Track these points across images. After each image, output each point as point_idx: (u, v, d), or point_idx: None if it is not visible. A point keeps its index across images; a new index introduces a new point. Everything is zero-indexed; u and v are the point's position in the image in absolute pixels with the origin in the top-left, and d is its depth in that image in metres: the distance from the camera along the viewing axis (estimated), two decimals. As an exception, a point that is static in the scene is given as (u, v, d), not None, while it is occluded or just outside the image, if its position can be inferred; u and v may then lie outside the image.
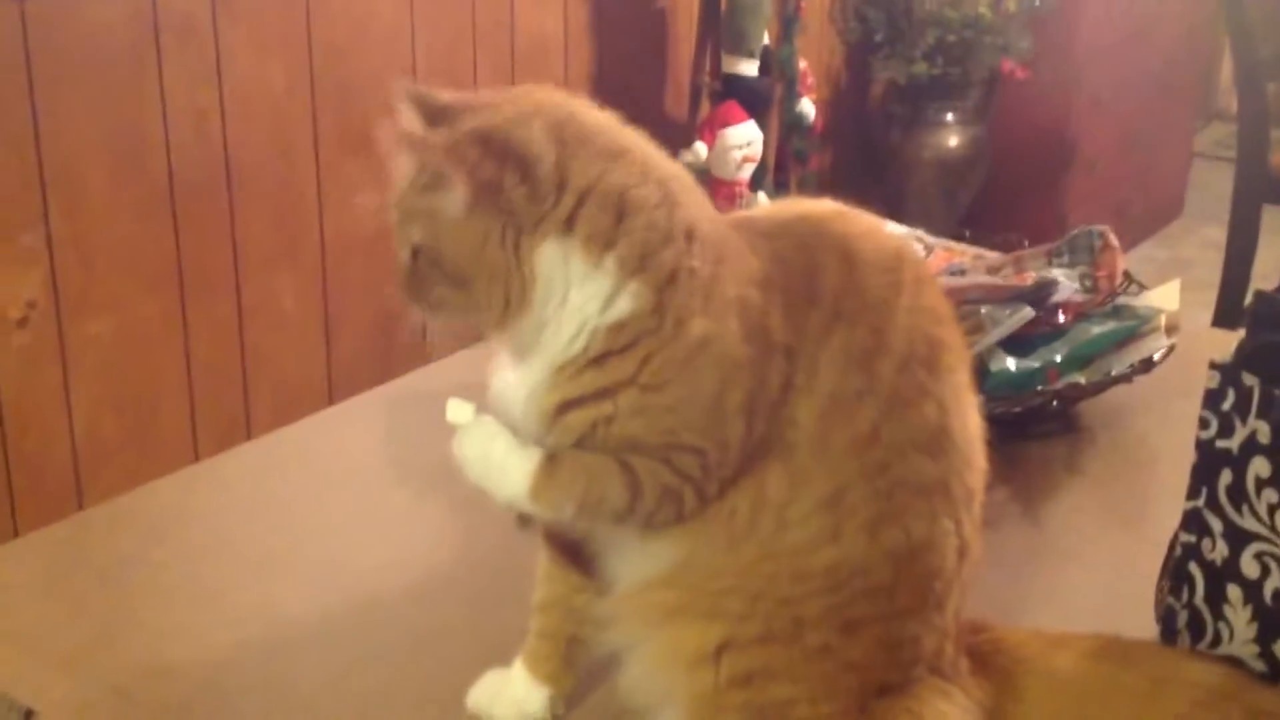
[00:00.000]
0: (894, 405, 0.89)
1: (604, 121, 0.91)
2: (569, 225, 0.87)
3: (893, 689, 0.92)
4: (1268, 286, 1.52)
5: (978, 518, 0.96)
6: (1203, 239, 4.59)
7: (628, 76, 3.22)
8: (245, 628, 1.11)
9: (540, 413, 0.89)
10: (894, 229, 1.62)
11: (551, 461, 0.89)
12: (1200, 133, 5.25)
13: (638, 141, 0.91)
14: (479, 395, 0.95)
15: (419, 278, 0.90)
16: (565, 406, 0.88)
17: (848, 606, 0.90)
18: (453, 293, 0.90)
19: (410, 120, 0.91)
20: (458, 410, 0.92)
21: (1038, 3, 3.75)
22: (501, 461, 0.89)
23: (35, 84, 2.09)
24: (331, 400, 2.48)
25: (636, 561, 0.94)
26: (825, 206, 0.97)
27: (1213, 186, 4.61)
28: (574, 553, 0.98)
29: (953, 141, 3.86)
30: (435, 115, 0.91)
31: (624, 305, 0.87)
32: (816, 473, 0.89)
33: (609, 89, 3.11)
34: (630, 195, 0.87)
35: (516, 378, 0.91)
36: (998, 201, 3.99)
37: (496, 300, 0.88)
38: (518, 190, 0.86)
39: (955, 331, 0.95)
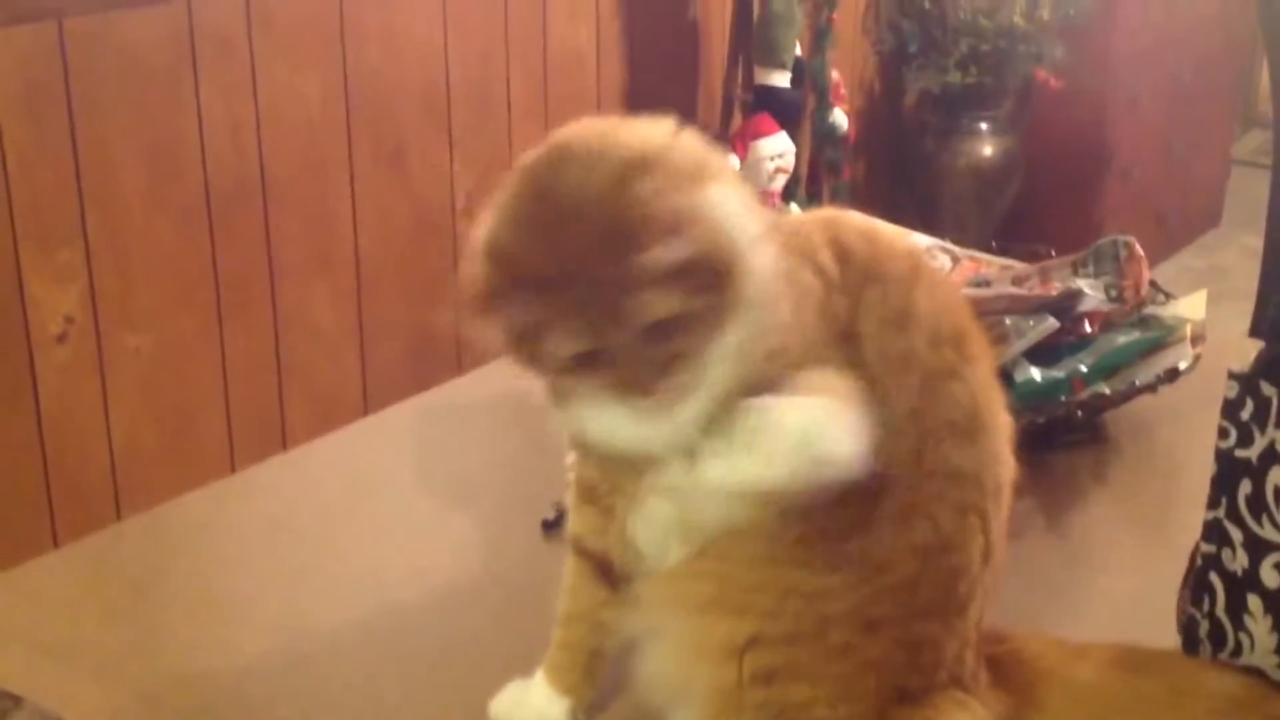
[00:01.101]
0: (930, 379, 0.91)
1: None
2: None
3: (911, 697, 0.93)
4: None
5: (1004, 518, 0.96)
6: (1241, 247, 4.56)
7: (660, 88, 3.23)
8: (272, 638, 1.12)
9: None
10: (920, 239, 1.63)
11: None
12: (1239, 140, 5.21)
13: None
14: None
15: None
16: None
17: (871, 604, 0.90)
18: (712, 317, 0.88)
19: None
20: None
21: (1072, 12, 3.74)
22: (835, 406, 0.87)
23: (73, 100, 2.12)
24: (367, 411, 2.51)
25: (666, 562, 0.95)
26: (830, 209, 1.00)
27: (1251, 194, 4.57)
28: (600, 564, 0.99)
29: (987, 151, 3.86)
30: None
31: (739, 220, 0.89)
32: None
33: (641, 101, 3.13)
34: None
35: None
36: (1033, 210, 3.98)
37: None
38: None
39: (975, 324, 0.97)
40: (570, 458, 0.99)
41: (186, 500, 1.35)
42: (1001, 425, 0.95)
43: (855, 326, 0.91)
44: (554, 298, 0.85)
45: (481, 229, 0.89)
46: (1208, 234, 4.81)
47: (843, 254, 0.93)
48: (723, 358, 0.87)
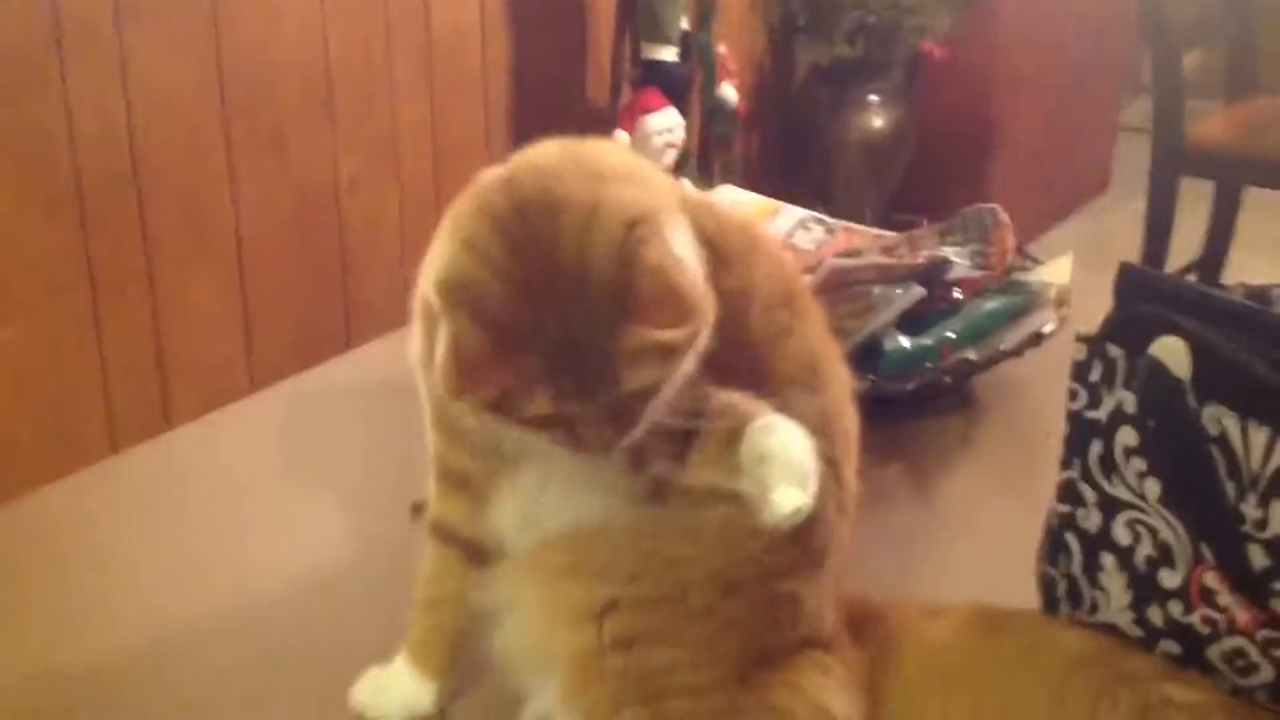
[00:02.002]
0: (761, 348, 0.92)
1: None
2: None
3: (772, 658, 0.93)
4: (1188, 258, 1.53)
5: (854, 467, 0.98)
6: (1130, 212, 4.61)
7: (548, 66, 3.21)
8: (133, 632, 1.11)
9: None
10: (794, 211, 1.63)
11: None
12: (1127, 107, 5.29)
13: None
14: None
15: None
16: None
17: (733, 567, 0.91)
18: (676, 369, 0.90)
19: None
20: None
21: (957, -18, 3.77)
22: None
23: (-65, 89, 2.07)
24: (253, 389, 2.47)
25: (537, 536, 0.95)
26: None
27: (1139, 160, 4.63)
28: (472, 550, 0.98)
29: (877, 123, 3.88)
30: None
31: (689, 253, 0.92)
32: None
33: (529, 79, 3.10)
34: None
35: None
36: (925, 181, 4.01)
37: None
38: None
39: (803, 284, 0.99)
40: (433, 447, 0.98)
41: (57, 489, 1.33)
42: (841, 376, 0.97)
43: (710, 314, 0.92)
44: (538, 362, 0.84)
45: (444, 263, 0.86)
46: (1096, 199, 4.88)
47: (699, 235, 0.93)
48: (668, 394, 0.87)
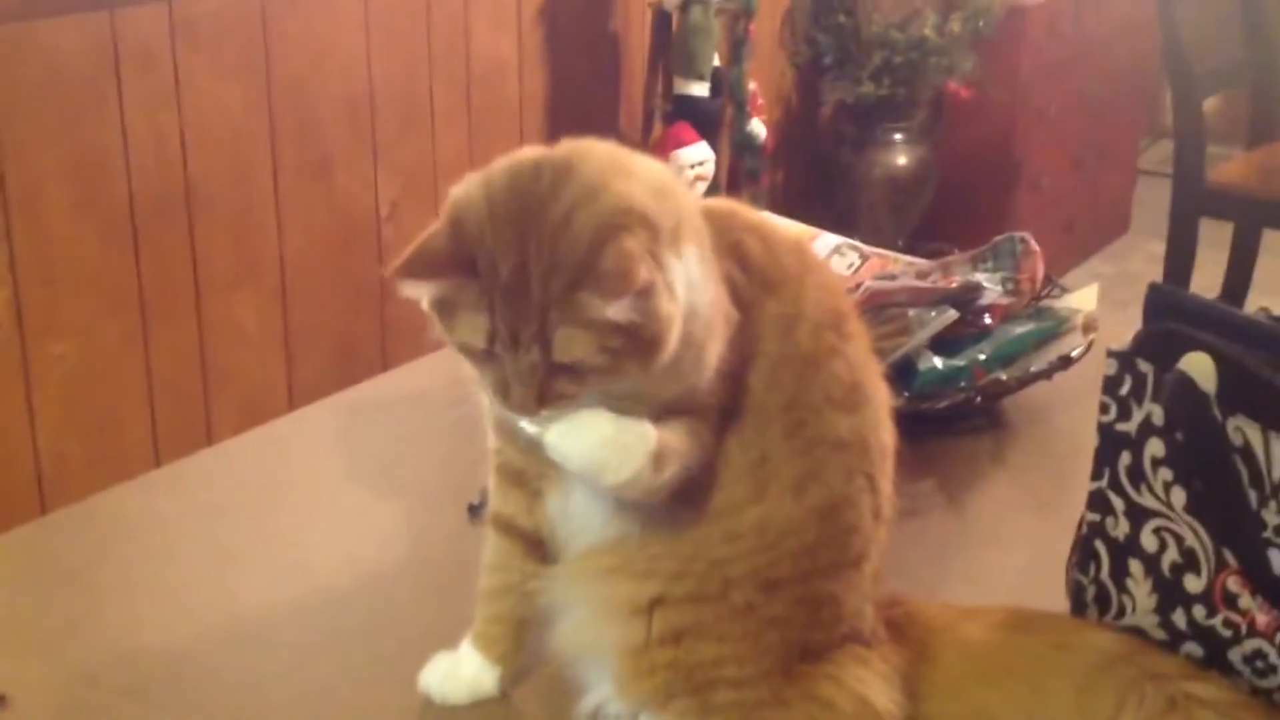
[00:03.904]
0: (807, 366, 0.96)
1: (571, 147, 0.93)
2: (675, 235, 0.89)
3: (815, 653, 0.98)
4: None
5: (890, 478, 1.02)
6: (1148, 254, 4.69)
7: (582, 99, 3.29)
8: (206, 618, 1.16)
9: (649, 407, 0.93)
10: (829, 238, 1.69)
11: (659, 432, 0.92)
12: (1147, 150, 5.35)
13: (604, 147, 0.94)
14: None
15: (579, 377, 0.89)
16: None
17: (772, 566, 0.96)
18: (625, 363, 0.89)
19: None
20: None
21: (981, 24, 3.85)
22: (626, 438, 0.91)
23: (-3, 109, 2.14)
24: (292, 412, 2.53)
25: (585, 539, 1.00)
26: (727, 202, 1.04)
27: (1159, 203, 4.70)
28: (530, 541, 1.03)
29: (901, 160, 3.95)
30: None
31: (698, 281, 0.91)
32: (752, 440, 0.95)
33: (563, 112, 3.18)
34: (663, 182, 0.92)
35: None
36: (946, 218, 4.07)
37: (669, 340, 0.89)
38: (655, 238, 0.88)
39: (852, 305, 1.03)
40: (492, 442, 1.03)
41: (113, 494, 1.38)
42: (881, 395, 1.02)
43: (756, 346, 0.96)
44: (483, 286, 0.89)
45: (461, 188, 0.92)
46: (1116, 241, 4.94)
47: (743, 261, 0.98)
48: (613, 395, 0.90)
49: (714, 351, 0.93)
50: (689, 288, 0.90)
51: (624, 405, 0.92)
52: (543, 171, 0.89)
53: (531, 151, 0.91)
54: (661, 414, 0.93)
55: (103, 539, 1.30)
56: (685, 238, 0.90)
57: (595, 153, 0.92)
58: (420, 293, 0.90)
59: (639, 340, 0.87)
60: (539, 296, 0.86)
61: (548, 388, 0.88)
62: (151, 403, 2.43)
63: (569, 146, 0.92)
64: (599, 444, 0.91)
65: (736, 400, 0.95)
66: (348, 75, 2.70)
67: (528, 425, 0.93)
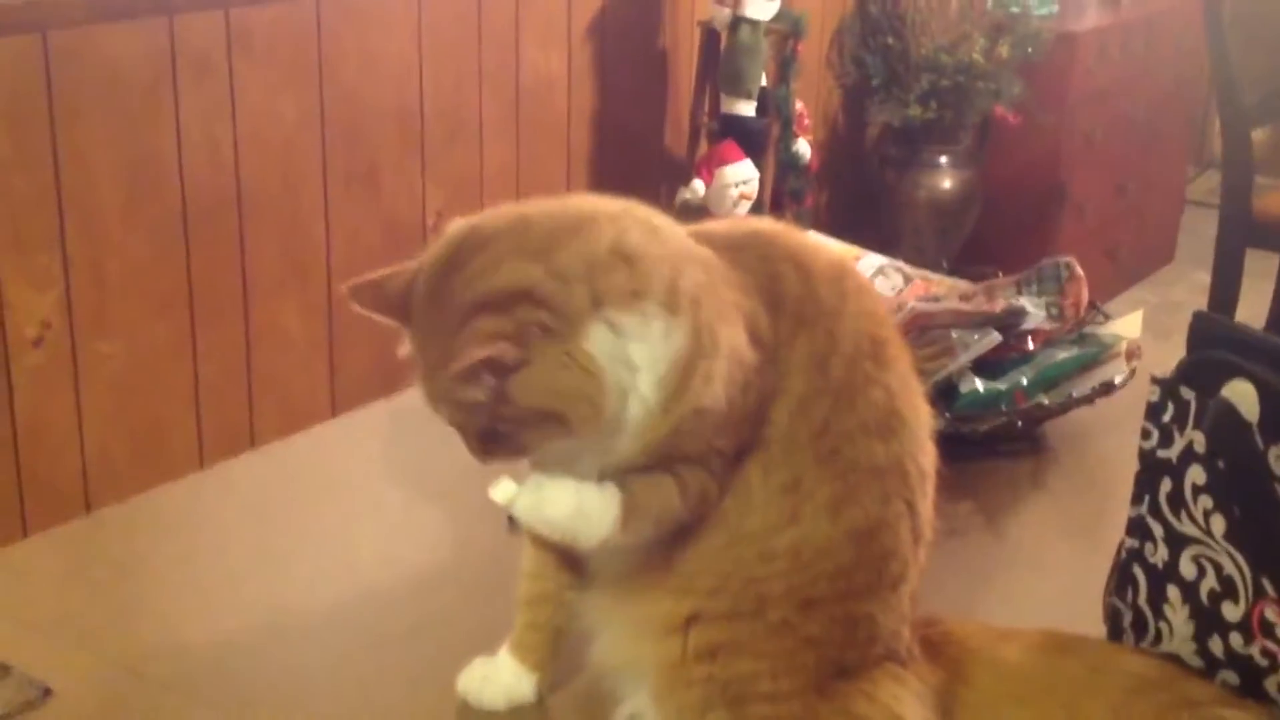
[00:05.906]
0: (841, 397, 0.97)
1: (543, 205, 0.96)
2: (597, 305, 0.90)
3: (850, 671, 0.99)
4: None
5: (930, 500, 1.03)
6: (1193, 283, 4.66)
7: (629, 116, 3.31)
8: (250, 615, 1.18)
9: (616, 468, 0.95)
10: (874, 258, 1.70)
11: (629, 494, 0.95)
12: (1194, 181, 5.33)
13: (577, 199, 0.97)
14: None
15: (500, 439, 0.94)
16: (646, 449, 0.94)
17: (809, 586, 0.96)
18: (541, 430, 0.92)
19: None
20: (504, 490, 0.98)
21: (1030, 50, 3.84)
22: (590, 508, 0.95)
23: (55, 112, 2.17)
24: (335, 417, 2.56)
25: (621, 554, 1.01)
26: (772, 223, 1.04)
27: (1206, 233, 4.68)
28: (566, 554, 1.05)
29: (946, 184, 3.95)
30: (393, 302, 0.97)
31: (678, 339, 0.91)
32: (781, 464, 0.96)
33: (610, 127, 3.20)
34: (622, 244, 0.92)
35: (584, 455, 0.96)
36: (989, 242, 4.07)
37: (585, 410, 0.91)
38: (538, 315, 0.90)
39: (893, 330, 1.03)
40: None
41: (160, 493, 1.41)
42: (921, 417, 1.02)
43: (780, 384, 0.97)
44: (415, 326, 0.95)
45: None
46: (1161, 270, 4.91)
47: (776, 298, 0.98)
48: (586, 452, 0.94)
49: (708, 399, 0.93)
50: (629, 357, 0.90)
51: (591, 460, 0.95)
52: (468, 240, 0.93)
53: (488, 214, 0.95)
54: (648, 464, 0.95)
55: (149, 537, 1.32)
56: (628, 308, 0.90)
57: (542, 221, 0.93)
58: (362, 305, 0.98)
59: (544, 415, 0.90)
60: (445, 326, 0.92)
61: (481, 445, 0.93)
62: (197, 404, 2.46)
63: (531, 209, 0.95)
64: (564, 517, 0.95)
65: (755, 434, 0.96)
66: (399, 87, 2.73)
67: (494, 495, 0.98)
